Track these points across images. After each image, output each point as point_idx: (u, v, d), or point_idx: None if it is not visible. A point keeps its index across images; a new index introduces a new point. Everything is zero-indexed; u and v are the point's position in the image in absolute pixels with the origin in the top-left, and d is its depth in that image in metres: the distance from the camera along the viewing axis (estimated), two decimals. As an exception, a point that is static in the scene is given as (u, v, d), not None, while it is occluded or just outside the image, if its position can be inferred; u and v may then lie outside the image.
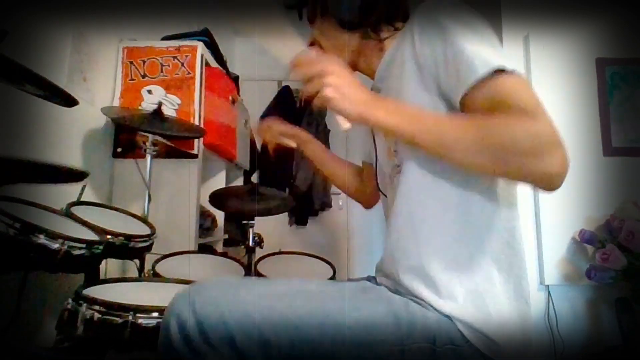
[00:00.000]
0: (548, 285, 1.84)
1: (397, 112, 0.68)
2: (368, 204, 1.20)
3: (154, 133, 1.58)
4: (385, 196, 0.94)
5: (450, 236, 0.75)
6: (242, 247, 1.86)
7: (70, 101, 1.04)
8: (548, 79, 1.94)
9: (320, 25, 0.91)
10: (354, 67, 0.94)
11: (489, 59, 0.65)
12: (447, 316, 0.71)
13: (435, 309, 0.72)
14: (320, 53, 0.75)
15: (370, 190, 1.14)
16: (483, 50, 0.66)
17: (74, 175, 1.25)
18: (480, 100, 0.66)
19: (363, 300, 0.73)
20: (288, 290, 0.74)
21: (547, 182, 0.61)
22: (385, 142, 0.89)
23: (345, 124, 0.70)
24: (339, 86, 0.68)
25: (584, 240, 1.74)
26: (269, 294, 0.72)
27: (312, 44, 0.95)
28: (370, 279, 0.95)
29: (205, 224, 2.35)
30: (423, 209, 0.77)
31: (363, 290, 0.76)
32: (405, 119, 0.67)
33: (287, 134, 1.18)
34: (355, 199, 1.24)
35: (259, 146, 1.93)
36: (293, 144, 1.19)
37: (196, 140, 1.96)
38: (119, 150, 1.92)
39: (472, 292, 0.72)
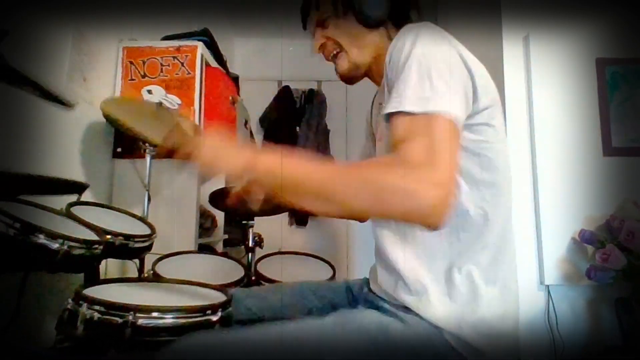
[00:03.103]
0: (548, 285, 1.84)
1: (277, 163, 0.68)
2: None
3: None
4: None
5: (438, 249, 0.75)
6: (242, 247, 1.86)
7: (67, 103, 1.04)
8: (548, 79, 1.93)
9: (338, 24, 0.89)
10: (368, 71, 0.93)
11: (405, 101, 0.68)
12: (433, 325, 0.71)
13: (420, 317, 0.73)
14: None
15: None
16: (414, 90, 0.68)
17: (73, 187, 1.26)
18: (392, 131, 0.70)
19: (342, 337, 0.72)
20: (263, 340, 0.72)
21: (423, 220, 0.64)
22: (379, 151, 0.90)
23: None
24: (214, 150, 0.71)
25: (584, 240, 1.74)
26: (243, 346, 0.70)
27: (321, 46, 0.92)
28: (365, 282, 0.96)
29: (205, 224, 2.35)
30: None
31: (342, 325, 0.74)
32: (286, 168, 0.68)
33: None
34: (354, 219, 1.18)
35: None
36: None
37: (196, 140, 1.96)
38: (119, 150, 1.92)
39: (459, 301, 0.72)
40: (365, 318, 0.77)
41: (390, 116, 0.70)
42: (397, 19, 0.87)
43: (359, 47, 0.89)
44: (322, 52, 0.93)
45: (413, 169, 0.63)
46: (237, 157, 0.70)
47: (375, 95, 1.01)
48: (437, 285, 0.74)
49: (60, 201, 1.24)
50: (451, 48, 0.73)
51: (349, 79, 0.94)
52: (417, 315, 0.73)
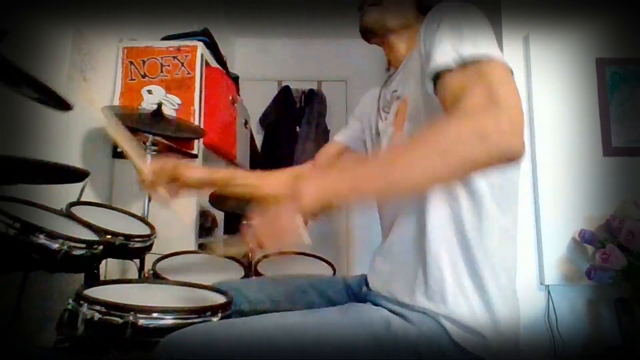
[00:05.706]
0: (548, 285, 1.84)
1: (339, 181, 0.69)
2: None
3: (153, 134, 1.58)
4: None
5: (446, 241, 0.75)
6: (242, 247, 1.86)
7: (64, 106, 1.03)
8: (548, 79, 1.94)
9: None
10: (387, 44, 0.93)
11: (451, 54, 0.66)
12: (436, 320, 0.71)
13: (424, 312, 0.72)
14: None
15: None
16: (453, 47, 0.66)
17: (75, 175, 1.24)
18: (442, 94, 0.67)
19: (343, 326, 0.73)
20: (266, 327, 0.72)
21: (504, 151, 0.57)
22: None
23: (306, 239, 0.69)
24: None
25: (584, 240, 1.74)
26: (246, 334, 0.70)
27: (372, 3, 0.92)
28: (364, 279, 0.96)
29: (205, 224, 2.35)
30: (419, 216, 0.78)
31: (343, 315, 0.75)
32: (347, 181, 0.68)
33: (200, 183, 1.02)
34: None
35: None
36: (207, 191, 1.08)
37: (196, 140, 1.96)
38: (119, 150, 1.91)
39: (464, 294, 0.72)
40: (369, 312, 0.77)
41: (440, 77, 0.67)
42: None
43: (400, 11, 0.90)
44: None
45: (474, 113, 0.59)
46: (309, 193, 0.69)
47: (384, 84, 0.99)
48: (457, 286, 0.73)
49: (61, 201, 1.24)
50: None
51: (369, 31, 0.93)
52: (424, 314, 0.73)
